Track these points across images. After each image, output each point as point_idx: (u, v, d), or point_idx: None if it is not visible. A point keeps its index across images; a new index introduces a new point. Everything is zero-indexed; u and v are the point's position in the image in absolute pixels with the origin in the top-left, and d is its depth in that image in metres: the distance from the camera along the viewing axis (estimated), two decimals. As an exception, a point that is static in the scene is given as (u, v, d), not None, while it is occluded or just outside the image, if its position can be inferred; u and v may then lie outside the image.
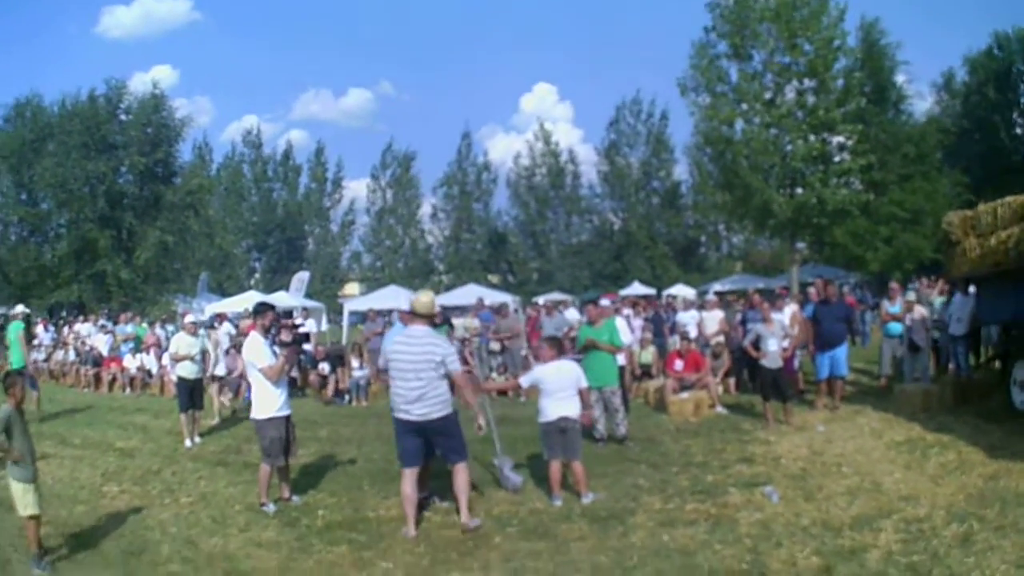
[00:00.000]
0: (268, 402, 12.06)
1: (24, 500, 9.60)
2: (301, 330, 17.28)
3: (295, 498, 12.49)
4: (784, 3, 44.07)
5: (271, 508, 11.92)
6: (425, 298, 11.14)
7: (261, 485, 12.16)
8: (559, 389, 11.79)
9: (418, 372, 10.46)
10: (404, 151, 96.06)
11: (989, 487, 11.16)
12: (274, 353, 12.24)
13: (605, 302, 19.09)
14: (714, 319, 23.20)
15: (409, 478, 10.64)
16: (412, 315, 11.02)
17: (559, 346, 12.76)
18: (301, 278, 54.26)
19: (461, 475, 10.66)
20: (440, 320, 12.67)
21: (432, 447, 10.91)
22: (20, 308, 25.32)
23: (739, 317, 22.82)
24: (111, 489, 13.80)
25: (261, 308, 12.96)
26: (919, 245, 47.29)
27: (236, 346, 22.53)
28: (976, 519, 9.68)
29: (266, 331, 12.59)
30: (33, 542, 9.65)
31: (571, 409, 11.76)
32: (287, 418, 12.32)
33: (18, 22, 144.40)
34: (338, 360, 25.88)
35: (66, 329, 39.22)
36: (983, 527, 9.43)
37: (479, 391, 12.56)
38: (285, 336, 13.08)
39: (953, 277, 19.50)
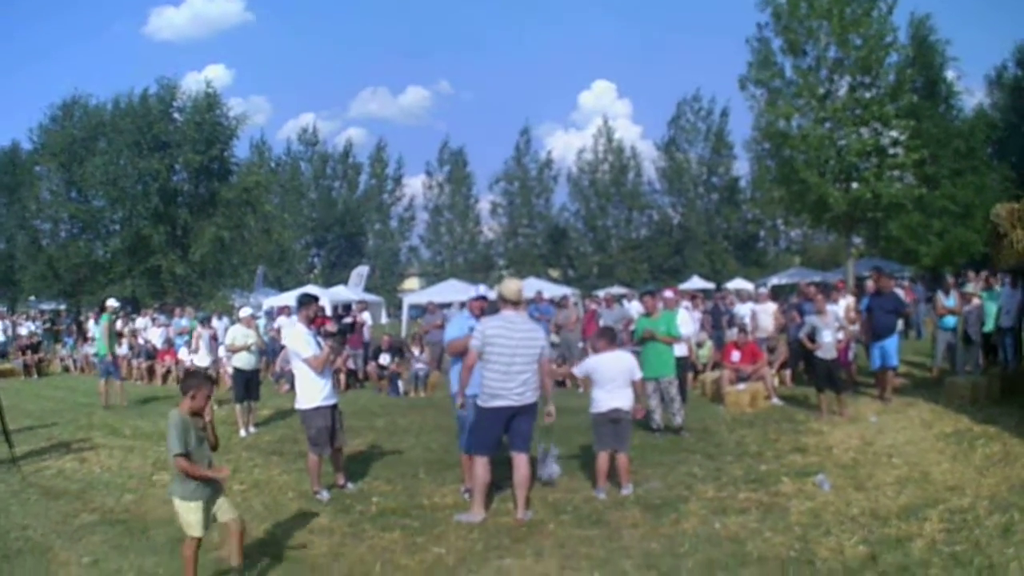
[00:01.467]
0: (313, 392, 12.21)
1: (186, 519, 8.38)
2: (346, 320, 17.25)
3: (350, 485, 12.65)
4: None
5: (325, 496, 12.07)
6: (514, 285, 11.21)
7: (312, 474, 12.35)
8: (611, 380, 11.81)
9: (524, 357, 10.57)
10: (460, 147, 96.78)
11: (1031, 478, 11.24)
12: (319, 344, 12.41)
13: (668, 293, 19.13)
14: (767, 312, 23.12)
15: (486, 464, 10.71)
16: (502, 302, 10.98)
17: (613, 337, 12.77)
18: (360, 272, 54.72)
19: (525, 467, 10.76)
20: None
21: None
22: (111, 302, 26.17)
23: (794, 301, 22.96)
24: (161, 478, 13.86)
25: (305, 299, 13.10)
26: (970, 239, 47.02)
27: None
28: (1018, 510, 9.78)
29: (310, 321, 12.77)
30: (189, 564, 8.40)
31: (623, 400, 11.80)
32: (333, 407, 12.46)
33: (66, 23, 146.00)
34: (398, 352, 26.11)
35: (119, 323, 39.65)
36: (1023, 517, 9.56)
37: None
38: (331, 327, 13.18)
39: (1000, 269, 19.48)
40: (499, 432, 10.74)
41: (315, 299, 13.39)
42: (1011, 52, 68.88)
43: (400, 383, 24.94)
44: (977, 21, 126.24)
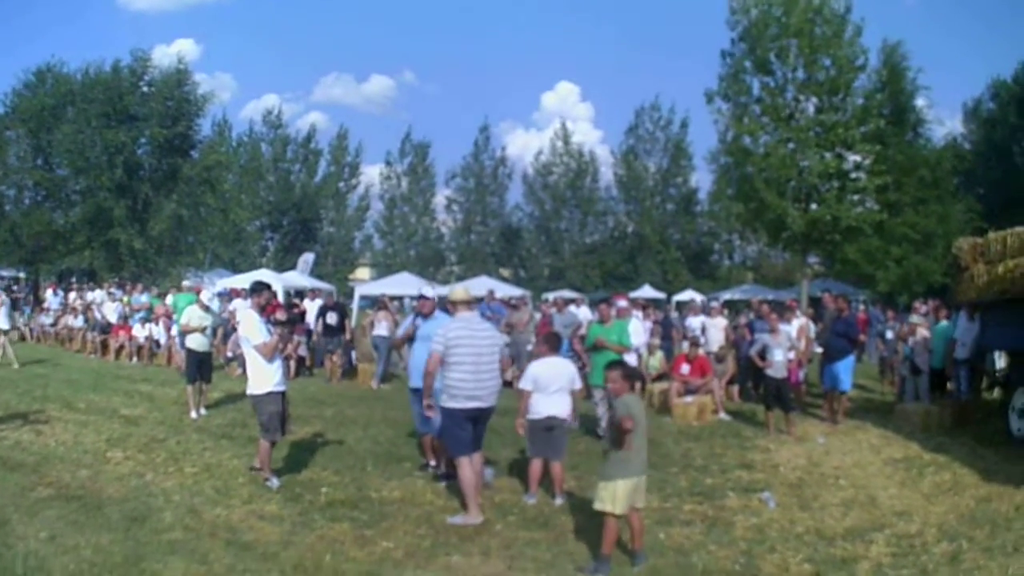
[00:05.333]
0: (264, 378, 12.23)
1: (615, 495, 8.67)
2: (296, 311, 17.40)
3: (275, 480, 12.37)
4: (804, 20, 44.20)
5: (275, 483, 12.04)
6: (462, 290, 11.57)
7: (262, 460, 12.31)
8: (549, 385, 11.62)
9: (490, 359, 10.77)
10: (423, 141, 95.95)
11: (980, 509, 11.33)
12: (269, 331, 12.40)
13: (622, 303, 19.06)
14: (717, 326, 23.29)
15: (472, 463, 10.74)
16: (456, 308, 11.16)
17: (556, 344, 12.65)
18: (307, 259, 54.79)
19: (480, 466, 11.05)
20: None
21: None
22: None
23: (744, 320, 23.08)
24: (115, 455, 13.95)
25: (258, 287, 13.13)
26: (929, 268, 47.46)
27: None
28: (966, 539, 9.88)
29: (262, 309, 12.81)
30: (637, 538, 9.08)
31: (560, 408, 11.67)
32: (283, 394, 12.51)
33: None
34: (343, 312, 26.26)
35: (73, 295, 39.41)
36: (972, 547, 9.62)
37: None
38: (280, 315, 13.28)
39: (960, 302, 19.55)
40: (471, 431, 10.85)
41: (268, 287, 13.48)
42: (986, 87, 69.35)
43: (354, 353, 25.23)
44: (958, 54, 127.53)
